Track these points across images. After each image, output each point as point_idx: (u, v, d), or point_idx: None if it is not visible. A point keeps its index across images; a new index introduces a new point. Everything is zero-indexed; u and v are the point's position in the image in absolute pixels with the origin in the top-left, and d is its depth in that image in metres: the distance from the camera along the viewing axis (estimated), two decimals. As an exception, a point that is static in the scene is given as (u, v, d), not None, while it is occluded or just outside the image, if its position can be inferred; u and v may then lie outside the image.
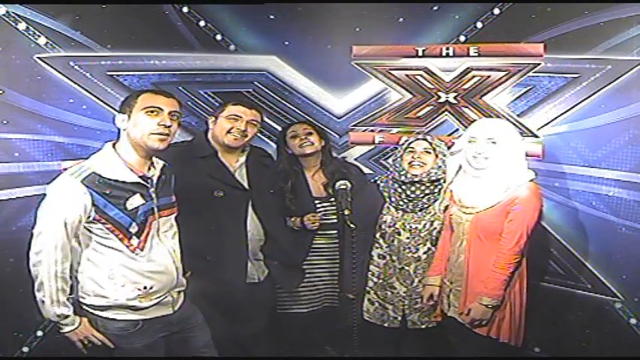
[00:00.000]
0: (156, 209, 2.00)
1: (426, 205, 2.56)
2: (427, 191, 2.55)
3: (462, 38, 2.96)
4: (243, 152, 2.53)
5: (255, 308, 2.59)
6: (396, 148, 2.71)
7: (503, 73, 2.91)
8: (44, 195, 1.91)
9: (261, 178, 2.56)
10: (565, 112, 2.75)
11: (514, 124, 2.86)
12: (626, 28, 2.52)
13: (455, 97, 3.05)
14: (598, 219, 2.69)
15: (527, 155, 2.78)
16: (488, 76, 2.95)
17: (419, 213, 2.56)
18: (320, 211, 2.77)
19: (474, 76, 2.98)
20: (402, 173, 2.56)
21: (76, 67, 2.70)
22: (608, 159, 2.64)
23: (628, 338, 2.68)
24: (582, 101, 2.69)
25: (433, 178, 2.53)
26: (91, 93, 2.75)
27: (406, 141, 2.63)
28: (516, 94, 2.90)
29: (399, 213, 2.59)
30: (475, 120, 2.91)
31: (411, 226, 2.56)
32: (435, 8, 2.96)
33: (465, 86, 3.01)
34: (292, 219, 2.74)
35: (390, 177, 2.65)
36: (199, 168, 2.30)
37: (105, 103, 2.79)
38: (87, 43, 2.71)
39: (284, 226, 2.69)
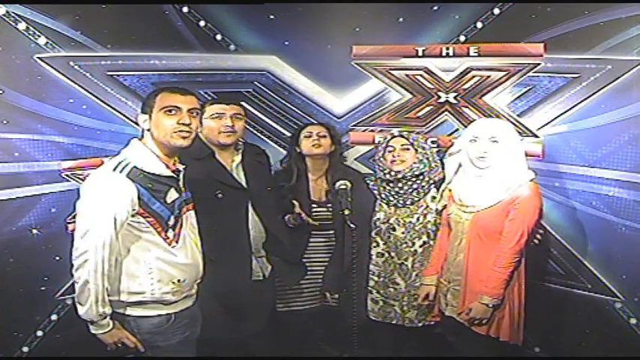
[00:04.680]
0: (184, 202, 2.04)
1: (416, 199, 2.59)
2: (414, 185, 2.58)
3: (462, 38, 2.96)
4: (238, 151, 2.53)
5: (260, 306, 2.60)
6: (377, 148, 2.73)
7: (503, 73, 2.91)
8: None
9: (258, 176, 2.56)
10: (565, 112, 2.75)
11: (514, 124, 2.87)
12: (626, 28, 2.53)
13: (455, 97, 3.05)
14: (598, 219, 2.69)
15: (527, 155, 2.80)
16: (488, 76, 2.95)
17: (411, 207, 2.59)
18: (315, 215, 2.79)
19: (473, 76, 2.98)
20: (386, 172, 2.60)
21: (76, 67, 2.70)
22: (608, 159, 2.64)
23: (628, 338, 2.68)
24: (582, 101, 2.69)
25: (417, 173, 2.57)
26: (91, 93, 2.75)
27: (384, 140, 2.66)
28: (516, 94, 2.90)
29: (391, 209, 2.61)
30: (475, 120, 2.92)
31: (404, 221, 2.59)
32: (435, 8, 2.96)
33: (465, 86, 3.01)
34: (287, 216, 2.76)
35: (377, 178, 2.68)
36: (197, 169, 2.30)
37: (105, 103, 2.79)
38: (87, 43, 2.72)
39: (283, 223, 2.69)
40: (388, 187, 2.61)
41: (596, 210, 2.69)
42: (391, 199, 2.61)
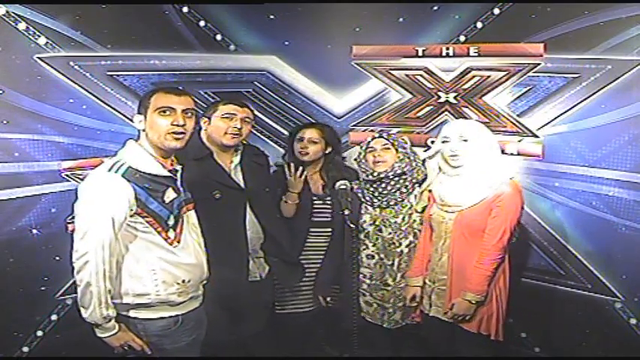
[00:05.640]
0: (184, 202, 2.03)
1: (400, 199, 2.60)
2: (398, 185, 2.59)
3: (462, 38, 2.96)
4: (237, 152, 2.53)
5: (257, 306, 2.60)
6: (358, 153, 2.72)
7: (503, 73, 2.91)
8: (72, 195, 1.88)
9: (257, 177, 2.56)
10: (565, 112, 2.75)
11: (514, 124, 2.88)
12: (626, 28, 2.52)
13: (455, 97, 3.05)
14: (598, 219, 2.69)
15: (527, 155, 2.82)
16: (488, 76, 2.95)
17: (396, 207, 2.60)
18: (316, 209, 2.79)
19: (474, 76, 2.98)
20: (368, 173, 2.61)
21: (76, 67, 2.70)
22: (608, 159, 2.64)
23: (628, 338, 2.68)
24: (582, 101, 2.69)
25: (398, 172, 2.58)
26: (91, 93, 2.75)
27: (365, 142, 2.67)
28: (516, 94, 2.90)
29: (376, 210, 2.62)
30: (475, 120, 2.92)
31: (390, 221, 2.59)
32: (435, 8, 2.96)
33: (465, 86, 3.01)
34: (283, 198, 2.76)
35: (361, 180, 2.69)
36: (196, 169, 2.31)
37: (105, 103, 2.79)
38: (87, 43, 2.72)
39: (281, 224, 2.69)
40: (372, 189, 2.62)
41: (596, 210, 2.69)
42: (375, 200, 2.61)
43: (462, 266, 2.33)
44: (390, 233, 2.60)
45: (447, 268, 2.38)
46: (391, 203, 2.60)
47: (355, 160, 2.74)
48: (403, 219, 2.59)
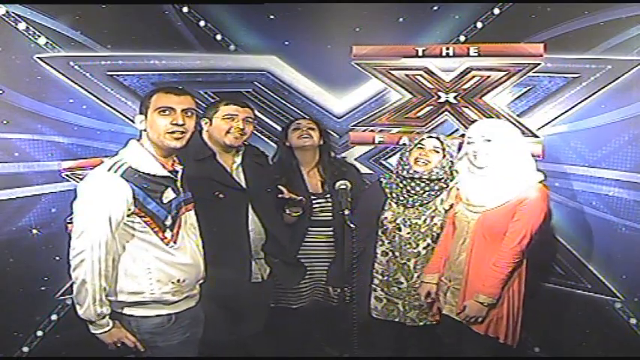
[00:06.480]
0: (183, 203, 2.04)
1: (426, 201, 2.58)
2: (427, 188, 2.57)
3: (462, 38, 2.96)
4: (238, 152, 2.54)
5: (259, 307, 2.60)
6: (405, 145, 2.72)
7: (503, 73, 2.91)
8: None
9: (258, 177, 2.56)
10: (565, 112, 2.75)
11: (514, 124, 2.87)
12: (626, 28, 2.53)
13: (455, 97, 3.05)
14: (598, 219, 2.69)
15: (527, 155, 2.82)
16: (488, 76, 2.95)
17: (420, 208, 2.58)
18: (315, 208, 2.79)
19: (474, 76, 2.98)
20: (405, 168, 2.59)
21: (76, 67, 2.70)
22: (608, 159, 2.64)
23: (628, 338, 2.68)
24: (582, 101, 2.69)
25: (434, 178, 2.55)
26: (91, 93, 2.75)
27: (419, 137, 2.66)
28: (516, 94, 2.90)
29: (399, 208, 2.61)
30: (475, 120, 2.92)
31: (411, 222, 2.58)
32: (435, 8, 2.96)
33: (465, 86, 3.01)
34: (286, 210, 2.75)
35: (394, 172, 2.68)
36: (198, 170, 2.31)
37: (105, 103, 2.79)
38: (87, 43, 2.72)
39: (282, 224, 2.69)
40: (401, 185, 2.60)
41: (596, 210, 2.69)
42: (402, 198, 2.59)
43: (478, 267, 2.31)
44: (408, 233, 2.58)
45: (463, 267, 2.36)
46: (416, 204, 2.58)
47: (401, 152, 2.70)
48: (424, 221, 2.57)
